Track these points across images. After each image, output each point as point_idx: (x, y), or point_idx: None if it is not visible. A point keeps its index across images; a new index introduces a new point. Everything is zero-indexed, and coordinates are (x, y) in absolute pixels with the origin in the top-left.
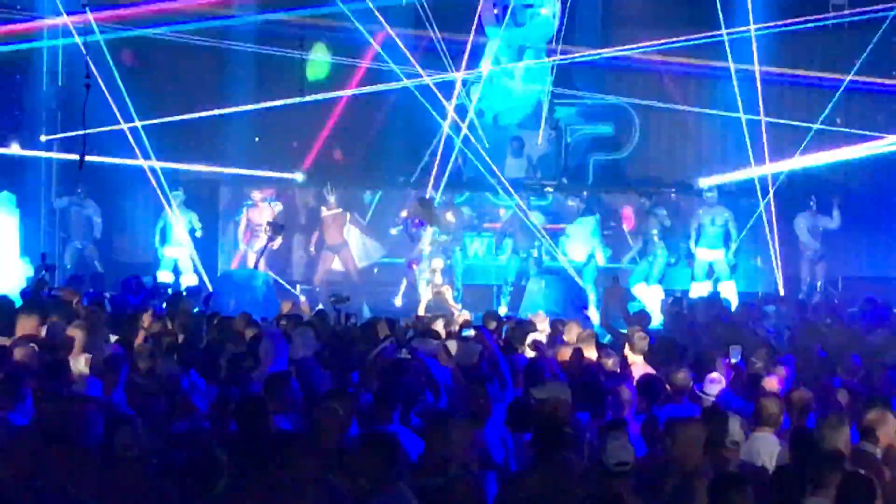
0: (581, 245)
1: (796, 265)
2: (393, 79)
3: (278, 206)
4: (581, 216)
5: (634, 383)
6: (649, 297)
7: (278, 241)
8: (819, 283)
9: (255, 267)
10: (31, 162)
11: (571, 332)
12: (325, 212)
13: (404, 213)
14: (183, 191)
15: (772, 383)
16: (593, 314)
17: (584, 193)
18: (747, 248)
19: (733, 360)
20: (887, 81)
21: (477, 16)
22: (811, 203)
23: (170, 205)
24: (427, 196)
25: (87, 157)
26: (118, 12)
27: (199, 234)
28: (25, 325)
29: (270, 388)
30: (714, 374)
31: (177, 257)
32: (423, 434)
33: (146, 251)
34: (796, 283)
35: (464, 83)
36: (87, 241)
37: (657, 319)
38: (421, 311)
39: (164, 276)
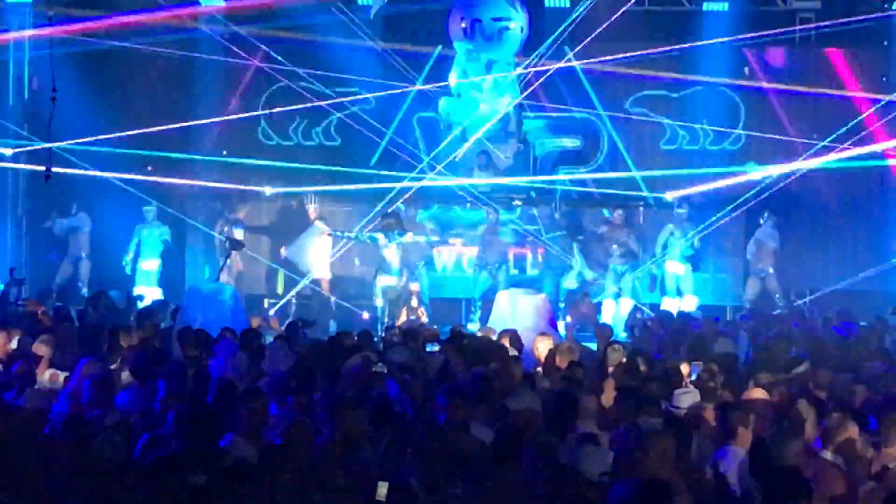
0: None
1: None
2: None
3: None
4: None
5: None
6: (615, 311)
7: (237, 258)
8: (778, 297)
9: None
10: None
11: (544, 345)
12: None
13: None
14: (155, 205)
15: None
16: (561, 328)
17: (556, 215)
18: (714, 262)
19: (693, 377)
20: (853, 94)
21: (445, 29)
22: (761, 221)
23: (143, 219)
24: (390, 210)
25: (56, 170)
26: (84, 25)
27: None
28: None
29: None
30: (683, 388)
31: (151, 270)
32: None
33: (120, 265)
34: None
35: (432, 96)
36: (84, 256)
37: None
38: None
39: (141, 290)
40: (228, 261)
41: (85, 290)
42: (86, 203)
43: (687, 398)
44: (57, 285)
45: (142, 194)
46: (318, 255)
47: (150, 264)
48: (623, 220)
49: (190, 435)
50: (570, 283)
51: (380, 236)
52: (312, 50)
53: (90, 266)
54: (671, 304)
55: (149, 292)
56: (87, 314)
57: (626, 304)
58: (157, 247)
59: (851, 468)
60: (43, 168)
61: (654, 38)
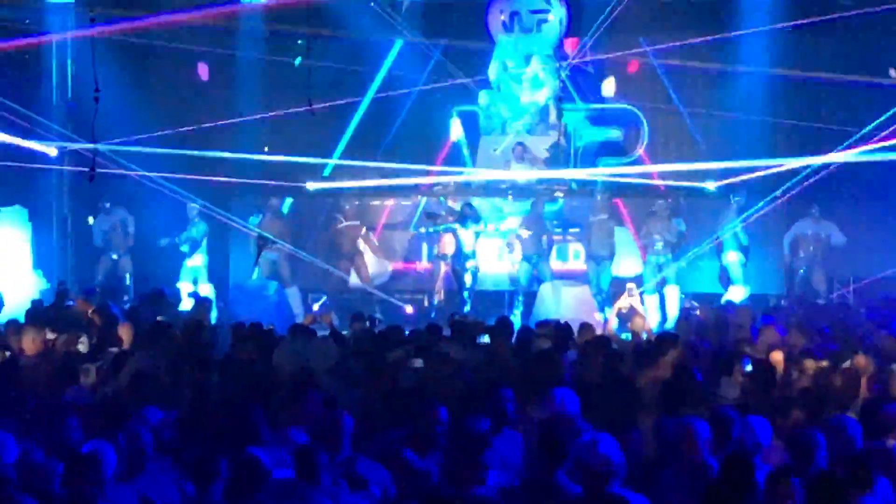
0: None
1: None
2: (401, 87)
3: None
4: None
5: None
6: (659, 302)
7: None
8: (823, 290)
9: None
10: (42, 175)
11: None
12: (341, 222)
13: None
14: (199, 202)
15: None
16: (603, 318)
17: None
18: (759, 251)
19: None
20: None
21: (484, 22)
22: (813, 211)
23: (188, 216)
24: (430, 212)
25: (99, 170)
26: (126, 25)
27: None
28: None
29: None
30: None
31: (197, 267)
32: None
33: (165, 262)
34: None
35: (472, 90)
36: (122, 253)
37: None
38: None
39: (185, 287)
40: (260, 258)
41: (130, 286)
42: (126, 201)
43: (732, 390)
44: (99, 282)
45: (186, 192)
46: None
47: (195, 260)
48: (665, 211)
49: None
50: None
51: (457, 225)
52: (352, 45)
53: (131, 262)
54: (736, 294)
55: (200, 289)
56: (138, 311)
57: (673, 295)
58: (203, 243)
59: None
60: (87, 169)
61: (693, 26)
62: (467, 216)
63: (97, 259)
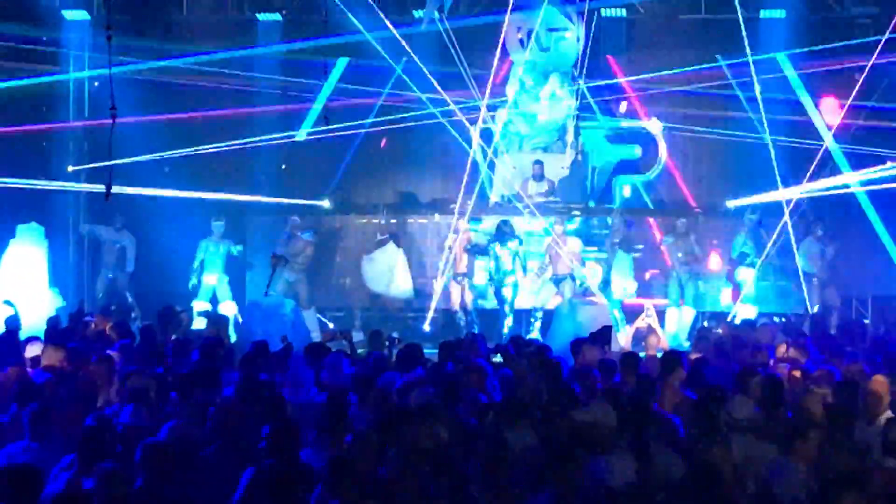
0: (618, 279)
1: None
2: (417, 107)
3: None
4: (621, 248)
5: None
6: (678, 319)
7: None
8: (837, 304)
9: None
10: (59, 193)
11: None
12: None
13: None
14: (224, 220)
15: None
16: (621, 338)
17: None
18: (775, 270)
19: None
20: None
21: (501, 41)
22: (818, 230)
23: (211, 234)
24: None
25: (115, 188)
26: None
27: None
28: (52, 356)
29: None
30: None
31: (214, 285)
32: None
33: (182, 280)
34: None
35: (489, 109)
36: (118, 271)
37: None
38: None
39: (201, 306)
40: (277, 274)
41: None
42: (143, 220)
43: (744, 408)
44: (101, 300)
45: (205, 210)
46: (397, 271)
47: (212, 279)
48: (686, 228)
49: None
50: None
51: (496, 244)
52: (370, 65)
53: (128, 281)
54: (749, 312)
55: (224, 307)
56: (154, 330)
57: (689, 313)
58: (221, 262)
59: None
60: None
61: (711, 47)
62: (505, 234)
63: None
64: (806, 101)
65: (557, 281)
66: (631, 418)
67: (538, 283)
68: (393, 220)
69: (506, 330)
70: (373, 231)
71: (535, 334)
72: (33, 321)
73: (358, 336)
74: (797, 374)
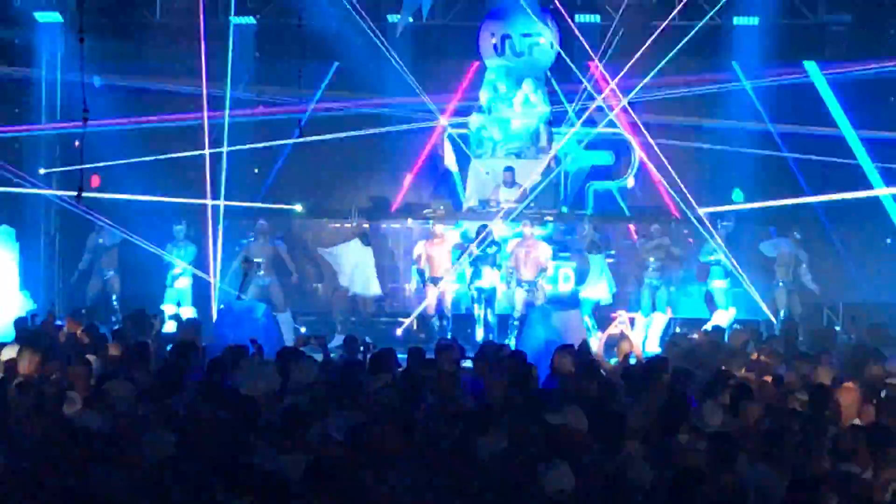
0: (589, 285)
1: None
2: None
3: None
4: (588, 253)
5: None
6: (649, 325)
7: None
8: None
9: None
10: (30, 196)
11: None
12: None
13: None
14: (185, 224)
15: None
16: (594, 343)
17: (587, 227)
18: (748, 277)
19: None
20: None
21: (476, 46)
22: (795, 233)
23: (173, 238)
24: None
25: (87, 194)
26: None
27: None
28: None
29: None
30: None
31: (182, 289)
32: None
33: (150, 284)
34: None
35: (463, 114)
36: (113, 271)
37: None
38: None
39: (169, 309)
40: (247, 279)
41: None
42: (114, 223)
43: (715, 415)
44: (89, 302)
45: (172, 214)
46: (362, 270)
47: (182, 283)
48: (660, 233)
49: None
50: (601, 295)
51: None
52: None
53: (119, 283)
54: (722, 318)
55: (182, 311)
56: (126, 332)
57: (661, 319)
58: (188, 264)
59: None
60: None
61: (684, 53)
62: (482, 240)
63: (86, 279)
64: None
65: (524, 285)
66: (602, 424)
67: (508, 289)
68: (366, 224)
69: (480, 336)
70: (345, 236)
71: (510, 340)
72: (3, 323)
73: (338, 341)
74: (769, 380)
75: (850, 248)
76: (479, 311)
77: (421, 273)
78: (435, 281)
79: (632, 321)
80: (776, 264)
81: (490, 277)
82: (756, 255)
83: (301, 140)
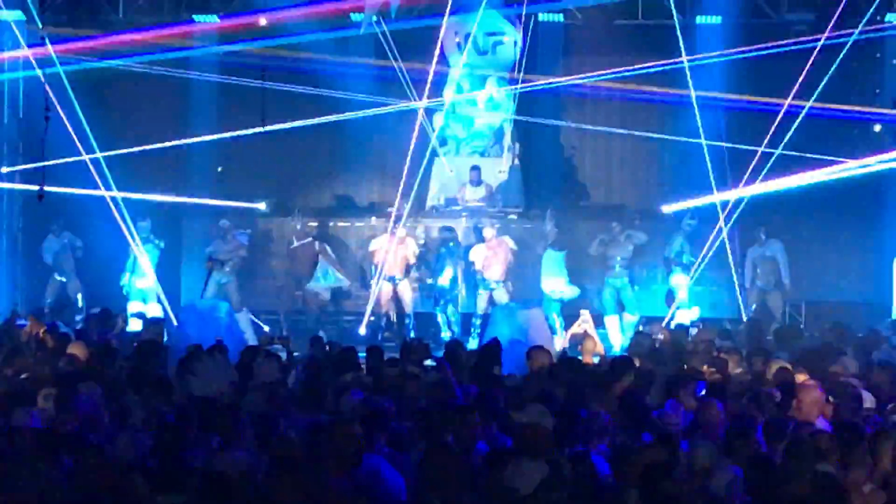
0: (550, 278)
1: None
2: (355, 109)
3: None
4: (550, 248)
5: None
6: (617, 325)
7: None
8: (778, 313)
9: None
10: None
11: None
12: (294, 242)
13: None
14: (149, 220)
15: None
16: (558, 342)
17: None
18: (710, 275)
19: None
20: (846, 107)
21: (439, 44)
22: (760, 234)
23: (133, 236)
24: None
25: (49, 189)
26: (78, 44)
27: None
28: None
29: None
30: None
31: (146, 288)
32: None
33: (113, 283)
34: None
35: (427, 112)
36: (71, 274)
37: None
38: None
39: (135, 308)
40: (211, 277)
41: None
42: (78, 221)
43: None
44: (48, 304)
45: (137, 212)
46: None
47: (146, 281)
48: (621, 233)
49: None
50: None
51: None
52: (308, 67)
53: (79, 284)
54: (685, 316)
55: (148, 309)
56: (88, 332)
57: (628, 319)
58: (152, 262)
59: None
60: (36, 188)
61: (647, 52)
62: (447, 240)
63: (47, 280)
64: None
65: (492, 285)
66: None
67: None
68: (311, 224)
69: (445, 334)
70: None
71: (473, 340)
72: None
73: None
74: (731, 376)
75: (813, 244)
76: (440, 311)
77: (374, 267)
78: (391, 280)
79: (602, 323)
80: (758, 266)
81: (449, 275)
82: (723, 253)
83: (265, 130)
